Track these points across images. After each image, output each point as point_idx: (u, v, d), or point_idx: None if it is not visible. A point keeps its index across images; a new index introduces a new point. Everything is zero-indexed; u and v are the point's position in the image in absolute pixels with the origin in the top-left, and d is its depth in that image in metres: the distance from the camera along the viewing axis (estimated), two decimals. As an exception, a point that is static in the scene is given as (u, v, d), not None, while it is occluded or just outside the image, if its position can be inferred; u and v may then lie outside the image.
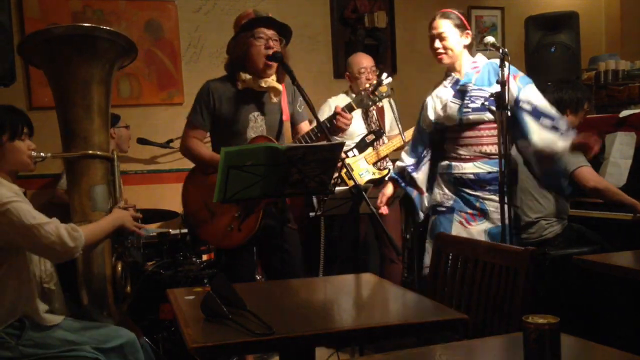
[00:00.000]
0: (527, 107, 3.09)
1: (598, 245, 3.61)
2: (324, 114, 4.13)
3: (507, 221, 2.89)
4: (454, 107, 3.17)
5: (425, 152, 3.36)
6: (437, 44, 3.16)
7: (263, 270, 3.45)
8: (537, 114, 3.08)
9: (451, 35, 3.15)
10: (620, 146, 3.95)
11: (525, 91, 3.11)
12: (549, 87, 3.93)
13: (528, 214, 3.68)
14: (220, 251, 3.31)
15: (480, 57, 3.24)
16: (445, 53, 3.17)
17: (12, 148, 2.40)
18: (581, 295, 3.64)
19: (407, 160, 3.39)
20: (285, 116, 3.17)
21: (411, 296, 2.15)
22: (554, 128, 3.05)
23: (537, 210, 3.68)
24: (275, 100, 3.10)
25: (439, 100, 3.24)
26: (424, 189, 3.36)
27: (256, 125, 3.09)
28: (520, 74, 3.19)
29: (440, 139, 3.33)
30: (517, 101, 3.10)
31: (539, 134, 3.06)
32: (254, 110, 3.10)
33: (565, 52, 4.96)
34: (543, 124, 3.06)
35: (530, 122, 3.08)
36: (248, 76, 3.05)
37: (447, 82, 3.26)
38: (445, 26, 3.16)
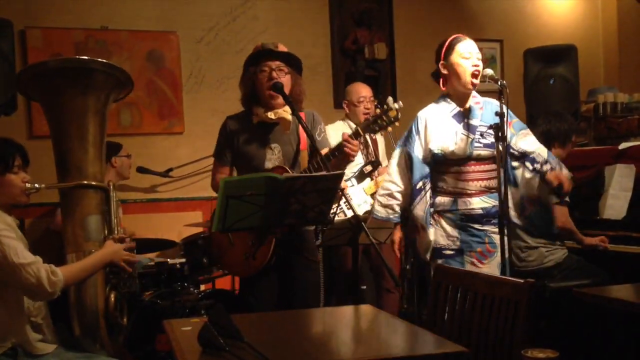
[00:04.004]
0: (515, 153, 3.14)
1: (598, 278, 3.60)
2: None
3: (506, 253, 2.88)
4: (465, 140, 3.09)
5: (422, 183, 3.15)
6: (481, 64, 3.06)
7: (283, 302, 3.40)
8: (523, 159, 3.13)
9: (481, 63, 3.10)
10: (620, 178, 3.95)
11: (517, 137, 3.15)
12: (538, 121, 3.97)
13: (525, 239, 3.68)
14: (242, 279, 3.27)
15: (477, 94, 3.20)
16: (478, 75, 3.06)
17: (3, 181, 2.38)
18: (582, 328, 3.61)
19: (396, 189, 3.22)
20: (303, 145, 3.15)
21: (411, 328, 2.12)
22: (535, 170, 3.09)
23: (534, 235, 3.68)
24: (286, 131, 3.11)
25: (444, 129, 3.12)
26: (426, 225, 3.13)
27: (273, 157, 3.09)
28: (515, 120, 3.21)
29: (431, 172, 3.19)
30: (508, 147, 3.10)
31: (522, 180, 3.12)
32: (270, 142, 3.11)
33: (564, 84, 4.99)
34: (528, 167, 3.11)
35: (518, 169, 3.13)
36: (260, 109, 3.09)
37: (449, 111, 3.15)
38: (479, 52, 3.10)
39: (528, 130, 3.22)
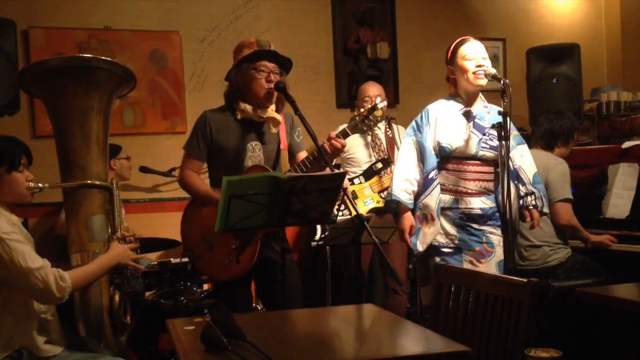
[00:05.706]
0: (510, 166, 3.12)
1: (602, 277, 3.59)
2: None
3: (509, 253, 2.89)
4: (475, 139, 3.10)
5: (433, 173, 3.12)
6: (488, 63, 3.08)
7: (262, 302, 3.41)
8: (515, 176, 3.14)
9: (488, 61, 3.11)
10: (623, 177, 3.94)
11: (515, 152, 3.17)
12: (539, 120, 3.96)
13: (529, 238, 3.67)
14: (217, 283, 3.27)
15: (484, 99, 3.22)
16: (483, 75, 3.07)
17: (9, 180, 2.39)
18: (585, 328, 3.60)
19: (414, 175, 3.16)
20: (283, 145, 3.15)
21: (413, 328, 2.12)
22: (518, 194, 3.14)
23: (537, 234, 3.67)
24: (274, 130, 3.09)
25: (453, 125, 3.13)
26: (436, 215, 3.10)
27: (254, 155, 3.07)
28: (515, 133, 3.22)
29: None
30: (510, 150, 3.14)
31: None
32: (253, 139, 3.08)
33: (567, 83, 4.98)
34: (517, 188, 3.14)
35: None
36: (248, 106, 3.04)
37: (457, 109, 3.16)
38: (485, 51, 3.12)
39: (525, 147, 3.25)
